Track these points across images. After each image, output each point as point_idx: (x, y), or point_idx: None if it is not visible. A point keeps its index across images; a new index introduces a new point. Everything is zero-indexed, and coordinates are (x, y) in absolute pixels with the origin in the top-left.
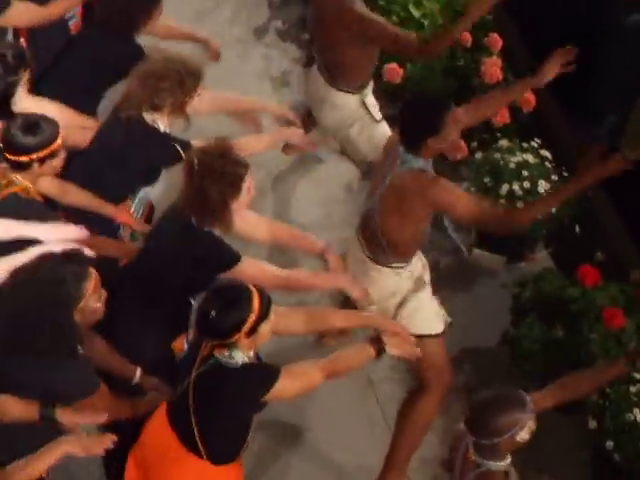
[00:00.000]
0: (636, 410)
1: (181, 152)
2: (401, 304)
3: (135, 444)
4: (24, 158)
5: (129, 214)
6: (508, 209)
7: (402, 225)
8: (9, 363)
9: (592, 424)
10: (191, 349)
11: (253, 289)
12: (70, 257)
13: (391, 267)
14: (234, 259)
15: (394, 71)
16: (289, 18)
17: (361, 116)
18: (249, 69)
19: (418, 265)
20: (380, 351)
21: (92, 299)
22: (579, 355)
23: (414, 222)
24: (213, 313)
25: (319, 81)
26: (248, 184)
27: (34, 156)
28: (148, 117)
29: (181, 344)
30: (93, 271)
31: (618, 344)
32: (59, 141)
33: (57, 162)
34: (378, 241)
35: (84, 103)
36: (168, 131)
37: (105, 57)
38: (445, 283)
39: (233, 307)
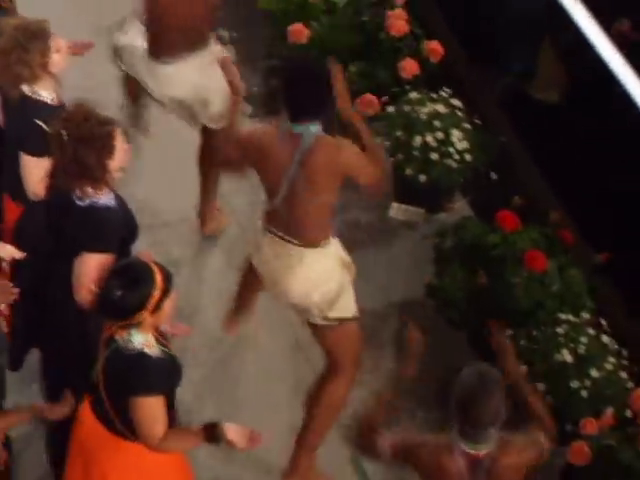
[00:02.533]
0: (564, 351)
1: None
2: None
3: (70, 441)
4: None
5: None
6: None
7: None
8: None
9: (522, 368)
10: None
11: (153, 266)
12: None
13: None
14: (99, 244)
15: (300, 32)
16: None
17: None
18: None
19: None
20: (215, 439)
21: None
22: (503, 300)
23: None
24: (117, 292)
25: None
26: (120, 140)
27: None
28: (27, 89)
29: None
30: None
31: (541, 286)
32: None
33: None
34: (300, 225)
35: None
36: (53, 95)
37: None
38: (366, 239)
39: (137, 285)
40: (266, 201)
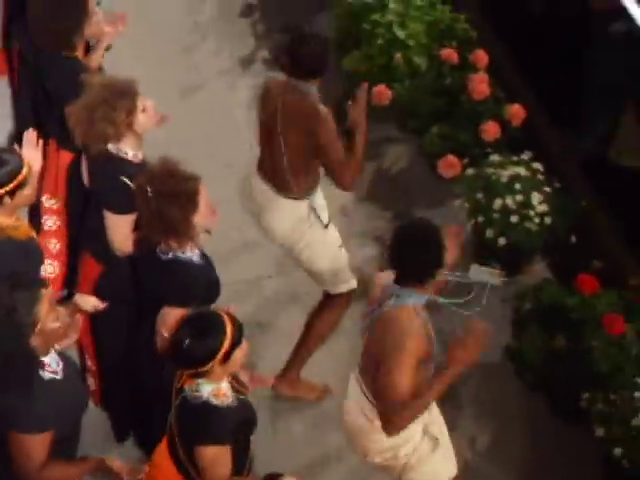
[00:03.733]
0: None
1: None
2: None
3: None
4: None
5: None
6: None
7: None
8: None
9: (599, 432)
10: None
11: (225, 316)
12: (17, 283)
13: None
14: (179, 299)
15: (382, 93)
16: (275, 46)
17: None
18: (237, 100)
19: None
20: None
21: (49, 320)
22: (582, 363)
23: None
24: (187, 342)
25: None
26: (204, 195)
27: (2, 191)
28: (111, 147)
29: None
30: (45, 292)
31: (620, 350)
32: (24, 170)
33: (28, 191)
34: None
35: None
36: (137, 152)
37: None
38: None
39: (207, 335)
40: None
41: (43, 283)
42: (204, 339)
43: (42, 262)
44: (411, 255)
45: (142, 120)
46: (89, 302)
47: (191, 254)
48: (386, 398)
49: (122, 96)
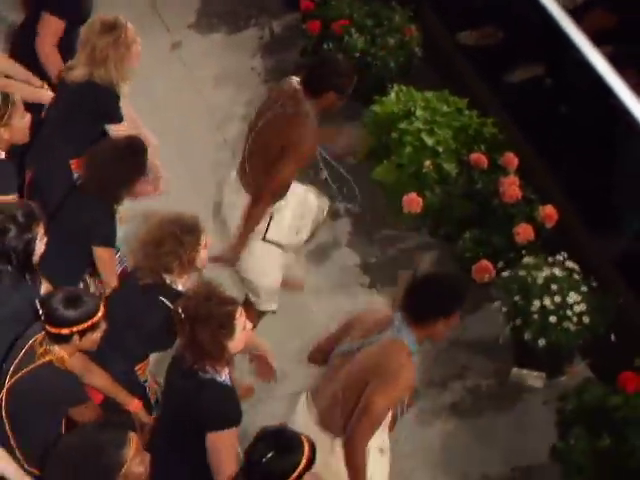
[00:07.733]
0: None
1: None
2: None
3: None
4: (65, 331)
5: (140, 405)
6: None
7: None
8: None
9: None
10: None
11: (303, 436)
12: (106, 424)
13: None
14: (227, 422)
15: (413, 201)
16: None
17: None
18: None
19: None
20: None
21: (134, 464)
22: (628, 463)
23: None
24: (269, 455)
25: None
26: (242, 320)
27: (75, 329)
28: (167, 279)
29: None
30: (133, 435)
31: None
32: (100, 314)
33: (97, 335)
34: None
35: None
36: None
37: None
38: (488, 405)
39: (287, 451)
40: None
41: (131, 425)
42: (284, 456)
43: None
44: (422, 294)
45: (202, 256)
46: None
47: (224, 378)
48: (366, 417)
49: (190, 232)
